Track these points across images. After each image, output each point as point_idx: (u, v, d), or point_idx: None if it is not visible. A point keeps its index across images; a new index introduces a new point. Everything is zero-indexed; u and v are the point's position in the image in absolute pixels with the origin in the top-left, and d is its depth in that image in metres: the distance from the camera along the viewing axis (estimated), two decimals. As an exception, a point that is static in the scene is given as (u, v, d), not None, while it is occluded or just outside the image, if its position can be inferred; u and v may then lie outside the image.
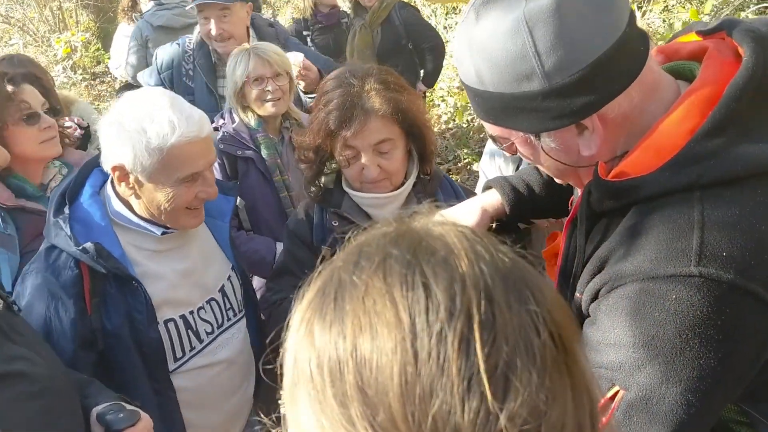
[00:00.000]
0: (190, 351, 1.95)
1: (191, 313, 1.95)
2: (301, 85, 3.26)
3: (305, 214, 2.11)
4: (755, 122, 1.04)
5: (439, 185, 2.10)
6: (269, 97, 2.76)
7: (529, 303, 0.58)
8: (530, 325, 0.57)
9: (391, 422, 0.54)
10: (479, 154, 6.62)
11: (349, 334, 0.58)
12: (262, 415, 0.73)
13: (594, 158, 1.16)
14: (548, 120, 1.11)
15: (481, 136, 6.92)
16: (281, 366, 0.66)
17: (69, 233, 1.72)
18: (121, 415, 1.51)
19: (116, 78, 7.52)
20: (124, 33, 5.52)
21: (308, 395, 0.59)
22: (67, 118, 2.72)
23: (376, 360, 0.55)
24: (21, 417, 1.31)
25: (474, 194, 2.11)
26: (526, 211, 1.65)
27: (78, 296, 1.72)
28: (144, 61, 4.42)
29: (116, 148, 1.73)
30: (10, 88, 2.23)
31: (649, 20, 6.53)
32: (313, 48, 5.85)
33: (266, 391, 2.26)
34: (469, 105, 6.98)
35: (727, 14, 4.92)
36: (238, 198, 2.74)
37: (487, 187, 1.73)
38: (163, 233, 1.87)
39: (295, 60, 3.12)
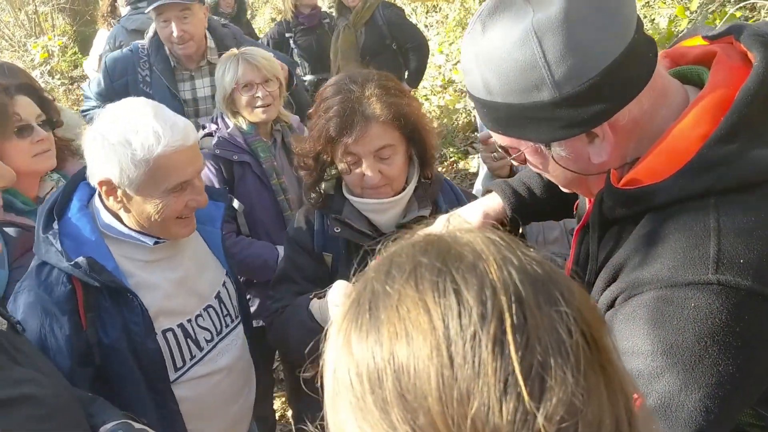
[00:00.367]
0: (191, 360, 1.93)
1: (189, 321, 1.93)
2: None
3: (305, 220, 2.09)
4: (767, 127, 1.04)
5: (440, 189, 2.10)
6: (259, 103, 2.74)
7: (559, 304, 0.60)
8: (561, 326, 0.58)
9: (431, 425, 0.55)
10: (465, 153, 6.64)
11: (386, 342, 0.60)
12: (308, 423, 0.74)
13: (604, 166, 1.15)
14: (559, 129, 1.11)
15: (467, 134, 6.95)
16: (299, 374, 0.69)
17: (60, 249, 1.69)
18: None
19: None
20: (103, 38, 5.47)
21: (349, 403, 0.61)
22: None
23: (414, 366, 0.57)
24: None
25: (474, 197, 2.12)
26: (527, 213, 1.65)
27: (72, 312, 1.70)
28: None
29: (102, 162, 1.70)
30: (5, 99, 2.18)
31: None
32: (295, 50, 5.84)
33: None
34: (454, 105, 7.02)
35: (712, 11, 4.97)
36: (237, 202, 2.74)
37: (487, 191, 1.73)
38: (155, 243, 1.85)
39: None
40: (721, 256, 0.98)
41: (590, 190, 1.25)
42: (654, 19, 5.77)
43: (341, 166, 1.92)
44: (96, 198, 1.85)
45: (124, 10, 5.09)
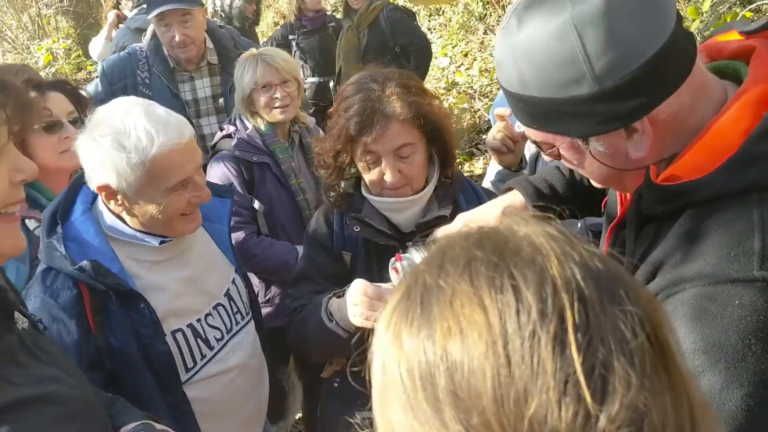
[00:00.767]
0: (201, 359, 1.91)
1: (198, 321, 1.90)
2: None
3: (325, 219, 2.07)
4: None
5: (461, 189, 2.07)
6: (278, 104, 2.74)
7: (624, 303, 0.57)
8: (626, 326, 0.55)
9: (485, 425, 0.54)
10: (470, 154, 6.62)
11: (439, 339, 0.58)
12: (358, 417, 0.73)
13: (642, 161, 1.13)
14: (597, 124, 1.08)
15: (471, 136, 6.93)
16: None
17: (63, 253, 1.66)
18: None
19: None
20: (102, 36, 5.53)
21: (399, 400, 0.60)
22: None
23: (468, 364, 0.55)
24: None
25: (495, 196, 2.10)
26: (549, 212, 1.63)
27: (80, 316, 1.67)
28: None
29: (98, 167, 1.67)
30: (33, 94, 2.18)
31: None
32: (297, 52, 5.84)
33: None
34: (459, 106, 7.00)
35: (724, 11, 4.95)
36: (258, 203, 2.74)
37: (507, 189, 1.71)
38: (161, 243, 1.82)
39: None
40: (765, 252, 0.97)
41: (626, 186, 1.23)
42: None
43: (361, 165, 1.90)
44: (99, 200, 1.83)
45: (129, 14, 5.11)
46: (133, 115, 1.66)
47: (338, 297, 1.81)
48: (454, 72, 8.19)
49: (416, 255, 1.63)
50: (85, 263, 1.64)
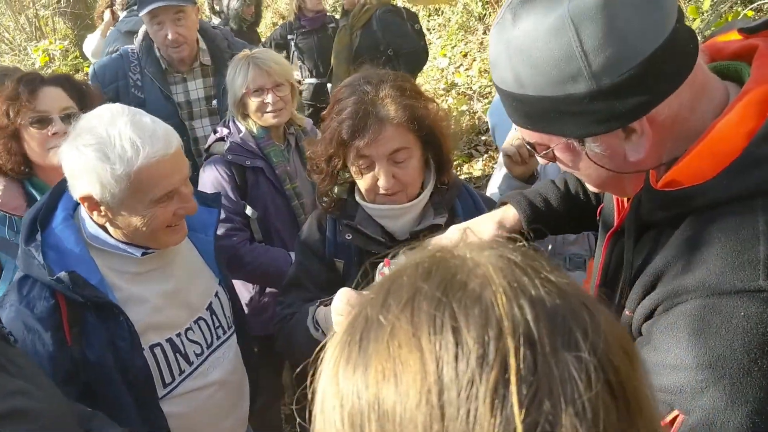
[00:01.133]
0: (180, 375, 1.85)
1: (178, 335, 1.85)
2: None
3: (317, 225, 2.03)
4: None
5: (458, 195, 2.01)
6: (269, 108, 2.67)
7: (581, 347, 0.50)
8: (580, 374, 0.49)
9: None
10: (469, 156, 6.57)
11: (372, 383, 0.53)
12: None
13: (641, 164, 1.08)
14: (595, 124, 1.04)
15: (470, 137, 6.88)
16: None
17: (41, 262, 1.61)
18: None
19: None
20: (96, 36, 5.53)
21: None
22: None
23: (400, 414, 0.50)
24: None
25: (494, 203, 2.05)
26: (544, 226, 1.59)
27: (56, 327, 1.62)
28: None
29: (81, 177, 1.62)
30: (23, 88, 2.20)
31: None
32: (295, 52, 5.80)
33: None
34: (459, 108, 6.96)
35: (725, 10, 4.91)
36: (250, 209, 2.68)
37: (502, 203, 1.67)
38: (143, 254, 1.77)
39: None
40: None
41: (625, 190, 1.18)
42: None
43: (353, 169, 1.85)
44: (82, 207, 1.77)
45: (122, 14, 5.08)
46: (118, 124, 1.60)
47: (325, 306, 1.77)
48: (453, 73, 8.14)
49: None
50: (63, 274, 1.59)
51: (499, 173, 2.55)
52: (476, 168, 6.43)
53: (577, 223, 1.66)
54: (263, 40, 6.53)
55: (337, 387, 0.56)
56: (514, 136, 2.15)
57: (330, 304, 1.72)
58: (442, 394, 0.49)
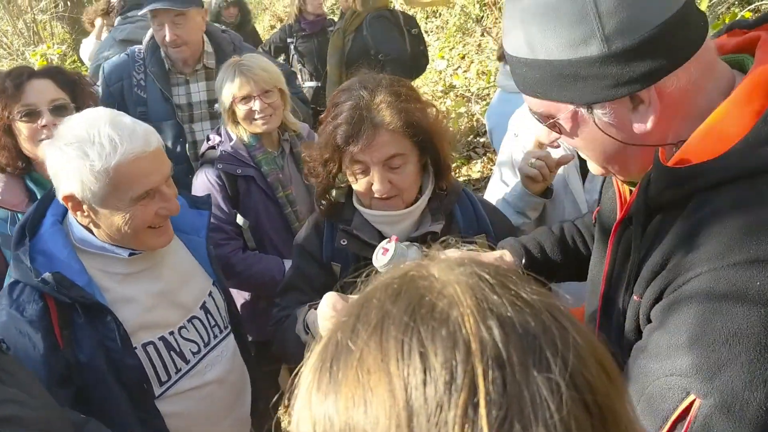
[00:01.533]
0: (176, 373, 1.86)
1: (171, 333, 1.86)
2: None
3: (315, 228, 2.02)
4: None
5: (457, 200, 1.98)
6: (257, 115, 2.64)
7: (552, 367, 0.50)
8: (553, 395, 0.48)
9: None
10: (468, 158, 6.58)
11: (342, 409, 0.53)
12: None
13: (647, 137, 1.07)
14: (604, 89, 1.03)
15: (469, 139, 6.89)
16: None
17: (29, 265, 1.64)
18: None
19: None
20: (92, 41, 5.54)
21: None
22: None
23: None
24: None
25: (494, 207, 2.07)
26: (538, 272, 1.60)
27: (46, 330, 1.64)
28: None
29: (63, 177, 1.65)
30: (10, 83, 2.21)
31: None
32: (295, 55, 5.79)
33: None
34: (457, 110, 6.96)
35: (722, 12, 4.93)
36: (241, 218, 2.67)
37: (500, 248, 1.68)
38: (131, 254, 1.78)
39: None
40: None
41: (629, 169, 1.17)
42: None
43: (349, 174, 1.84)
44: (70, 212, 1.79)
45: (117, 19, 5.08)
46: (98, 124, 1.64)
47: (315, 309, 1.76)
48: (451, 75, 8.15)
49: (412, 253, 1.56)
50: (47, 275, 1.61)
51: (497, 183, 2.54)
52: (475, 170, 6.43)
53: (571, 272, 1.65)
54: (263, 43, 6.53)
55: (310, 412, 0.56)
56: (533, 155, 2.13)
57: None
58: (411, 420, 0.49)
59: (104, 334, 1.68)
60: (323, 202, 1.96)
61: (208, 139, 2.83)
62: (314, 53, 5.73)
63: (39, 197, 2.16)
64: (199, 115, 3.41)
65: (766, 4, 4.71)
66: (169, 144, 3.30)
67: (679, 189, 1.04)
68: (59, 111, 2.26)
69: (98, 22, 5.43)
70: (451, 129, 2.02)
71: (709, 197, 1.00)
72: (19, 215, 2.18)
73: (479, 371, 0.49)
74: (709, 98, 1.04)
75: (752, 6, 4.64)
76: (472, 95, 7.56)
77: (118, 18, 4.69)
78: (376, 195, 1.81)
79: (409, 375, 0.50)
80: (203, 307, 1.98)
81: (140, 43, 3.54)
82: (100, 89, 3.65)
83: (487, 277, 0.56)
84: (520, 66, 1.11)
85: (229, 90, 2.63)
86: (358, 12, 5.10)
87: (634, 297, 1.12)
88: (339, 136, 1.76)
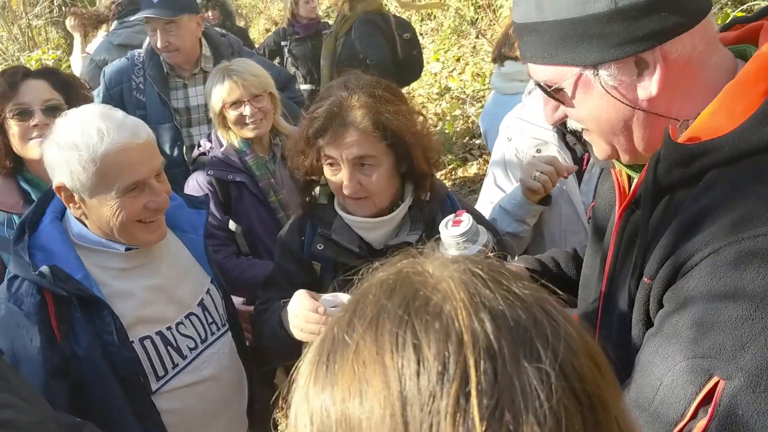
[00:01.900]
0: (173, 368, 1.87)
1: (168, 329, 1.87)
2: None
3: (298, 226, 2.04)
4: None
5: (440, 207, 1.97)
6: (248, 120, 2.65)
7: (542, 358, 0.51)
8: (543, 385, 0.49)
9: None
10: (464, 160, 6.60)
11: (338, 401, 0.54)
12: None
13: (652, 104, 1.08)
14: (610, 48, 1.04)
15: (464, 141, 6.91)
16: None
17: (27, 260, 1.66)
18: None
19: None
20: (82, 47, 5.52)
21: None
22: None
23: (366, 429, 0.52)
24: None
25: (481, 214, 2.08)
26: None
27: (44, 323, 1.66)
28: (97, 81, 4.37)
29: (56, 168, 1.70)
30: (4, 82, 2.23)
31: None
32: (289, 58, 5.79)
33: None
34: (451, 112, 6.98)
35: (715, 12, 4.95)
36: (234, 224, 2.67)
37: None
38: (127, 249, 1.80)
39: None
40: None
41: (634, 147, 1.16)
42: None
43: (325, 167, 1.87)
44: (65, 204, 1.81)
45: (114, 24, 5.07)
46: (89, 117, 1.69)
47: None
48: (446, 77, 8.17)
49: (482, 237, 1.52)
50: (44, 268, 1.64)
51: (491, 186, 2.56)
52: (470, 171, 6.46)
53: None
54: (257, 46, 6.54)
55: (307, 405, 0.58)
56: (535, 167, 2.14)
57: None
58: (405, 409, 0.50)
59: (101, 328, 1.70)
60: (306, 197, 1.99)
61: (199, 146, 2.84)
62: (308, 56, 5.73)
63: (34, 197, 2.19)
64: (197, 119, 3.43)
65: (758, 4, 4.74)
66: (167, 147, 3.33)
67: (690, 167, 1.03)
68: (52, 111, 2.25)
69: (77, 38, 5.41)
70: (437, 138, 2.03)
71: (726, 172, 1.00)
72: (16, 217, 2.19)
73: (471, 362, 0.50)
74: (714, 77, 1.06)
75: (744, 6, 4.67)
76: (467, 97, 7.58)
77: (115, 22, 4.70)
78: (344, 192, 1.83)
79: (403, 366, 0.52)
80: (201, 304, 1.99)
81: (137, 47, 3.56)
82: (94, 93, 3.67)
83: (480, 273, 0.58)
84: (528, 33, 1.13)
85: (219, 95, 2.64)
86: (348, 16, 5.10)
87: (645, 279, 1.09)
88: (311, 129, 1.81)
